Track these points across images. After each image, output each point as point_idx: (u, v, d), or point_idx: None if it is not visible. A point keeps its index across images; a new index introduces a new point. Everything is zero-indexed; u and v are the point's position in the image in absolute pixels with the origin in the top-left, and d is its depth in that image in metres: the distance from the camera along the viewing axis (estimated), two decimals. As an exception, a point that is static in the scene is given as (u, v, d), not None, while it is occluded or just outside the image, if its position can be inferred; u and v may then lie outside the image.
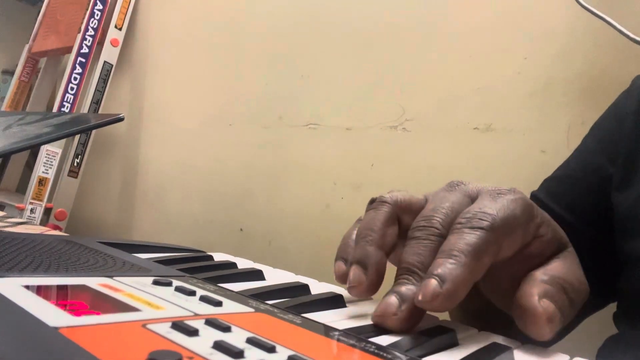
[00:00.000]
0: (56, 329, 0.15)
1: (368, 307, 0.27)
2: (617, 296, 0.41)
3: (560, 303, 0.24)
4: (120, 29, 1.45)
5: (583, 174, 0.45)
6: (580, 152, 0.48)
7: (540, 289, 0.23)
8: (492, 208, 0.23)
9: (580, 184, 0.45)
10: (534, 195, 0.48)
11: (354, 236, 0.29)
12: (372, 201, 0.28)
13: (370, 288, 0.25)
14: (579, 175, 0.45)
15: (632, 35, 0.58)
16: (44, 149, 1.29)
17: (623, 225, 0.39)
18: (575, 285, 0.25)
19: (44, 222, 1.30)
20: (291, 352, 0.16)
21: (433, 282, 0.21)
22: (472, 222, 0.23)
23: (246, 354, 0.15)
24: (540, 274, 0.24)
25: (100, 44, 1.41)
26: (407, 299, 0.22)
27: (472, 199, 0.26)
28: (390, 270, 0.26)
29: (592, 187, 0.44)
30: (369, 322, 0.23)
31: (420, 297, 0.21)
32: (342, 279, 0.28)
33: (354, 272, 0.25)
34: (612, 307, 0.43)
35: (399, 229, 0.27)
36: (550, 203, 0.45)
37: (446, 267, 0.21)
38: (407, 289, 0.22)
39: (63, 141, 1.33)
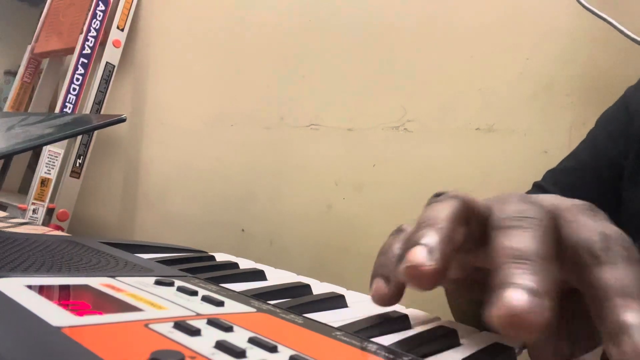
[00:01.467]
0: (59, 328, 0.15)
1: (370, 307, 0.27)
2: None
3: (577, 338, 0.21)
4: (122, 30, 1.46)
5: (595, 166, 0.44)
6: (590, 144, 0.47)
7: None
8: (616, 233, 0.20)
9: (591, 176, 0.44)
10: (539, 186, 0.48)
11: (395, 249, 0.23)
12: (438, 195, 0.23)
13: (436, 274, 0.19)
14: (589, 167, 0.45)
15: (633, 36, 0.58)
16: (46, 149, 1.29)
17: (633, 221, 0.39)
18: None
19: (46, 222, 1.30)
20: (293, 352, 0.16)
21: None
22: (617, 251, 0.19)
23: (248, 353, 0.16)
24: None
25: (103, 44, 1.41)
26: (542, 292, 0.17)
27: (550, 210, 0.21)
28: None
29: (603, 179, 0.43)
30: (370, 322, 0.23)
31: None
32: (382, 300, 0.22)
33: (417, 251, 0.19)
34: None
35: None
36: (556, 193, 0.45)
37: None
38: (531, 278, 0.17)
39: (65, 142, 1.33)
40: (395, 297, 0.22)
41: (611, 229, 0.20)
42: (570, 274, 0.20)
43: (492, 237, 0.20)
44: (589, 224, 0.20)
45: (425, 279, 0.19)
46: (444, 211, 0.21)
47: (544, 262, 0.18)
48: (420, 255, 0.19)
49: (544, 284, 0.17)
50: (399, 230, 0.25)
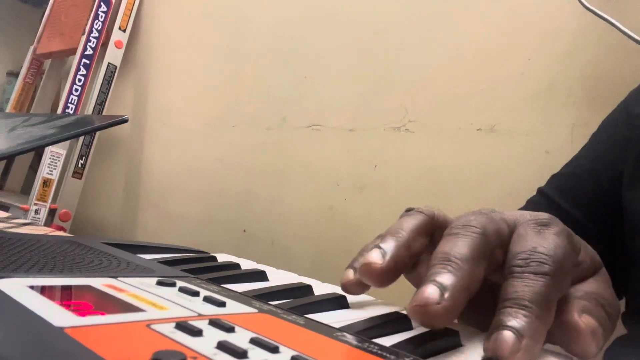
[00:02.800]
0: (61, 329, 0.15)
1: (371, 309, 0.27)
2: (626, 296, 0.41)
3: (600, 317, 0.23)
4: (124, 31, 1.46)
5: (593, 171, 0.45)
6: (591, 148, 0.47)
7: (578, 305, 0.22)
8: (546, 248, 0.22)
9: (590, 181, 0.44)
10: (541, 191, 0.48)
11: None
12: (409, 210, 0.26)
13: (383, 274, 0.23)
14: (589, 172, 0.45)
15: (635, 36, 0.58)
16: (49, 150, 1.30)
17: (633, 225, 0.39)
18: (610, 300, 0.25)
19: (48, 223, 1.30)
20: (294, 353, 0.16)
21: (510, 336, 0.19)
22: (532, 265, 0.21)
23: (250, 354, 0.16)
24: (574, 291, 0.24)
25: (105, 45, 1.42)
26: (450, 287, 0.20)
27: (510, 226, 0.24)
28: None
29: (602, 184, 0.43)
30: (371, 322, 0.23)
31: (496, 351, 0.19)
32: (348, 287, 0.26)
33: (373, 253, 0.23)
34: (620, 308, 0.42)
35: (429, 245, 0.25)
36: (558, 199, 0.45)
37: (521, 319, 0.19)
38: (445, 277, 0.20)
39: (67, 142, 1.33)
40: (360, 285, 0.25)
41: (547, 243, 0.22)
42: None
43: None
44: (529, 239, 0.23)
45: (375, 275, 0.23)
46: (407, 223, 0.25)
47: (464, 264, 0.21)
48: (374, 256, 0.23)
49: (457, 282, 0.20)
50: (381, 235, 0.28)
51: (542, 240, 0.22)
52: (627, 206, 0.40)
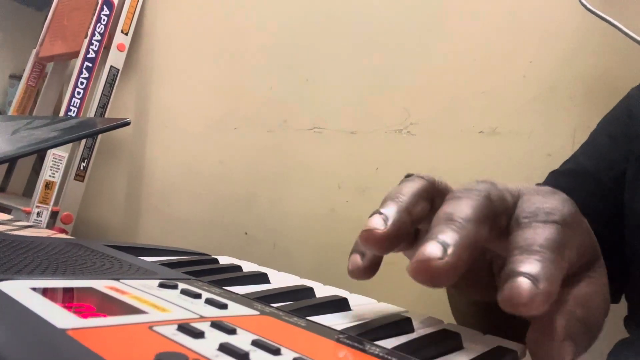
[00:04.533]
0: (64, 330, 0.15)
1: (372, 311, 0.27)
2: (627, 298, 0.41)
3: (580, 340, 0.21)
4: (126, 34, 1.46)
5: (594, 169, 0.44)
6: (591, 146, 0.47)
7: (562, 322, 0.21)
8: (553, 204, 0.21)
9: (591, 179, 0.44)
10: None
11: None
12: (407, 175, 0.25)
13: (385, 240, 0.21)
14: (589, 170, 0.44)
15: (637, 38, 0.58)
16: (51, 152, 1.30)
17: (635, 225, 0.39)
18: (600, 308, 0.24)
19: (50, 225, 1.31)
20: (296, 355, 0.16)
21: (526, 282, 0.18)
22: (540, 216, 0.20)
23: (251, 356, 0.16)
24: (567, 294, 0.22)
25: (107, 48, 1.42)
26: (452, 244, 0.19)
27: (513, 195, 0.23)
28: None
29: (603, 182, 0.43)
30: (373, 325, 0.23)
31: (507, 299, 0.18)
32: (357, 273, 0.25)
33: (374, 218, 0.22)
34: (622, 311, 0.42)
35: (430, 212, 0.24)
36: None
37: (535, 264, 0.18)
38: (448, 234, 0.19)
39: (69, 145, 1.34)
40: (369, 269, 0.24)
41: (554, 201, 0.21)
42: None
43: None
44: (535, 200, 0.22)
45: (376, 242, 0.22)
46: (408, 187, 0.24)
47: (468, 224, 0.20)
48: (375, 221, 0.22)
49: (460, 240, 0.19)
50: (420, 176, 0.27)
51: (548, 200, 0.22)
52: (629, 206, 0.39)
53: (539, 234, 0.20)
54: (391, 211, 0.22)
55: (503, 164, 0.75)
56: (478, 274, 0.27)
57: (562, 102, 0.71)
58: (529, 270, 0.18)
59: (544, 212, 0.21)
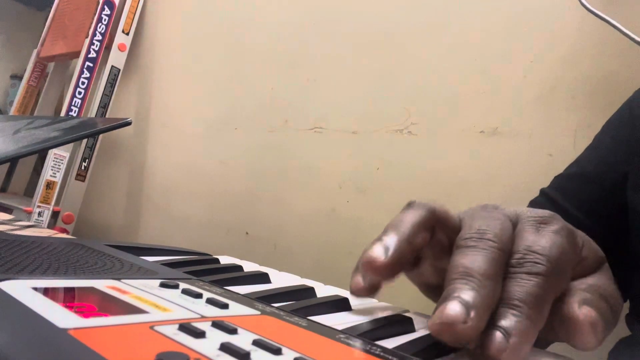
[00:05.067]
0: (65, 330, 0.15)
1: (373, 311, 0.27)
2: (630, 298, 0.41)
3: (602, 310, 0.23)
4: (127, 34, 1.47)
5: (597, 172, 0.44)
6: (594, 150, 0.47)
7: (579, 297, 0.22)
8: (542, 247, 0.22)
9: (594, 182, 0.44)
10: (544, 193, 0.48)
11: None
12: (410, 204, 0.26)
13: (385, 269, 0.22)
14: (592, 173, 0.45)
15: (637, 38, 0.58)
16: (52, 152, 1.30)
17: (639, 227, 0.39)
18: (613, 293, 0.25)
19: (51, 225, 1.31)
20: (297, 355, 0.16)
21: (498, 335, 0.19)
22: (526, 266, 0.21)
23: (252, 356, 0.16)
24: (577, 284, 0.24)
25: (108, 48, 1.42)
26: (475, 305, 0.19)
27: (513, 222, 0.24)
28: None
29: (606, 185, 0.43)
30: (374, 325, 0.23)
31: (484, 350, 0.19)
32: (358, 293, 0.26)
33: (375, 248, 0.23)
34: (624, 309, 0.42)
35: (431, 240, 0.25)
36: (561, 201, 0.45)
37: (510, 319, 0.20)
38: (470, 294, 0.20)
39: (70, 145, 1.34)
40: (371, 290, 0.25)
41: (544, 242, 0.22)
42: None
43: (453, 253, 0.22)
44: (525, 237, 0.23)
45: (377, 271, 0.23)
46: (410, 217, 0.24)
47: (487, 281, 0.20)
48: (376, 251, 0.23)
49: (482, 301, 0.20)
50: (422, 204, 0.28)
51: (538, 238, 0.22)
52: (633, 208, 0.40)
53: (519, 287, 0.21)
54: (392, 241, 0.23)
55: (504, 163, 0.75)
56: None
57: (563, 101, 0.71)
58: (503, 325, 0.19)
59: (531, 261, 0.21)
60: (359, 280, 0.25)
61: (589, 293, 0.23)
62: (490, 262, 0.21)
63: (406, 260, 0.23)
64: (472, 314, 0.19)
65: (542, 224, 0.23)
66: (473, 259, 0.21)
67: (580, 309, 0.22)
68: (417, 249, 0.24)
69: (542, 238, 0.22)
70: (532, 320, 0.20)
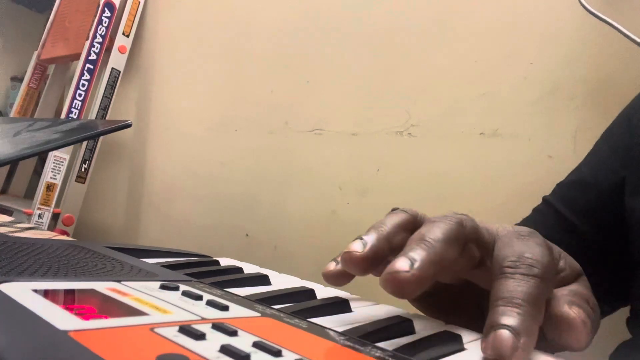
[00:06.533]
0: (66, 332, 0.15)
1: (373, 313, 0.27)
2: (631, 301, 0.41)
3: (587, 310, 0.24)
4: (127, 36, 1.47)
5: (594, 179, 0.45)
6: (592, 156, 0.48)
7: (565, 300, 0.24)
8: (533, 253, 0.23)
9: (592, 189, 0.45)
10: (546, 200, 0.48)
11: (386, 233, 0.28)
12: (394, 209, 0.28)
13: (362, 262, 0.24)
14: (590, 179, 0.45)
15: (637, 39, 0.58)
16: (52, 154, 1.30)
17: (638, 232, 0.39)
18: (594, 301, 0.26)
19: (51, 227, 1.31)
20: (297, 356, 0.16)
21: (508, 335, 0.20)
22: (523, 267, 0.22)
23: (252, 357, 0.16)
24: (560, 290, 0.25)
25: (108, 50, 1.43)
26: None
27: (491, 234, 0.26)
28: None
29: (604, 191, 0.43)
30: (374, 326, 0.23)
31: (490, 350, 0.20)
32: (328, 277, 0.27)
33: (355, 243, 0.25)
34: (624, 312, 0.42)
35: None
36: (562, 209, 0.45)
37: (517, 317, 0.20)
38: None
39: (71, 147, 1.34)
40: (340, 276, 0.26)
41: (534, 250, 0.23)
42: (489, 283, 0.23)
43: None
44: (515, 245, 0.24)
45: (354, 263, 0.24)
46: (390, 219, 0.26)
47: (436, 243, 0.23)
48: (354, 245, 0.24)
49: (426, 256, 0.22)
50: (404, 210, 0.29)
51: (527, 247, 0.24)
52: (631, 214, 0.40)
53: (521, 287, 0.21)
54: (371, 238, 0.25)
55: (504, 165, 0.75)
56: (468, 312, 0.29)
57: (563, 103, 0.71)
58: (511, 323, 0.20)
59: (527, 264, 0.22)
60: (331, 265, 0.27)
61: (574, 297, 0.24)
62: (444, 229, 0.23)
63: (384, 255, 0.25)
64: (416, 265, 0.21)
65: (524, 237, 0.24)
66: (428, 228, 0.24)
67: (571, 309, 0.23)
68: (395, 247, 0.25)
69: (530, 247, 0.23)
70: (535, 319, 0.21)
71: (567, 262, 0.27)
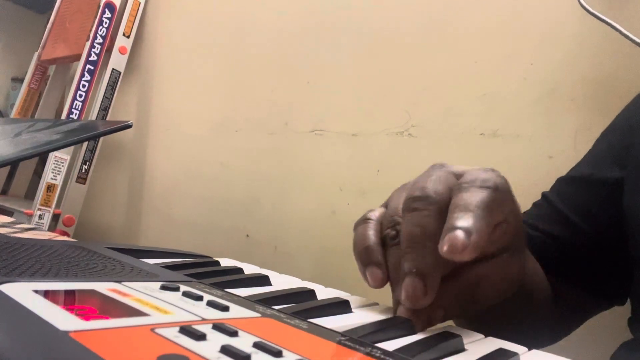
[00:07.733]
0: (66, 332, 0.16)
1: (374, 313, 0.27)
2: (631, 300, 0.41)
3: (452, 309, 0.26)
4: (128, 37, 1.47)
5: (592, 177, 0.45)
6: (591, 154, 0.48)
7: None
8: (490, 175, 0.26)
9: (589, 187, 0.45)
10: (545, 196, 0.48)
11: (371, 237, 0.29)
12: (416, 199, 0.26)
13: (428, 301, 0.24)
14: (587, 177, 0.46)
15: (637, 40, 0.58)
16: (53, 155, 1.30)
17: (637, 230, 0.39)
18: (491, 289, 0.28)
19: (52, 228, 1.31)
20: (297, 357, 0.16)
21: (461, 234, 0.22)
22: (477, 182, 0.25)
23: (253, 358, 0.16)
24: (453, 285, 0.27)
25: (109, 51, 1.43)
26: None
27: (457, 176, 0.27)
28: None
29: (600, 190, 0.44)
30: (374, 327, 0.23)
31: (447, 248, 0.22)
32: (381, 284, 0.27)
33: (414, 284, 0.24)
34: (626, 312, 0.42)
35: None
36: (559, 204, 0.45)
37: (469, 220, 0.23)
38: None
39: (71, 148, 1.34)
40: (384, 280, 0.27)
41: (488, 175, 0.26)
42: None
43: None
44: (474, 172, 0.27)
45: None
46: (427, 220, 0.26)
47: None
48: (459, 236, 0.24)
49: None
50: (366, 219, 0.32)
51: (486, 172, 0.27)
52: (630, 212, 0.40)
53: (474, 196, 0.24)
54: (471, 225, 0.25)
55: (504, 166, 0.75)
56: (464, 305, 0.29)
57: (563, 104, 0.71)
58: (463, 225, 0.23)
59: (480, 179, 0.25)
60: (377, 271, 0.27)
61: (452, 295, 0.26)
62: (433, 221, 0.25)
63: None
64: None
65: (486, 170, 0.28)
66: (416, 222, 0.25)
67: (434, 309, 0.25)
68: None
69: (489, 173, 0.27)
70: (486, 222, 0.23)
71: (518, 219, 0.29)
